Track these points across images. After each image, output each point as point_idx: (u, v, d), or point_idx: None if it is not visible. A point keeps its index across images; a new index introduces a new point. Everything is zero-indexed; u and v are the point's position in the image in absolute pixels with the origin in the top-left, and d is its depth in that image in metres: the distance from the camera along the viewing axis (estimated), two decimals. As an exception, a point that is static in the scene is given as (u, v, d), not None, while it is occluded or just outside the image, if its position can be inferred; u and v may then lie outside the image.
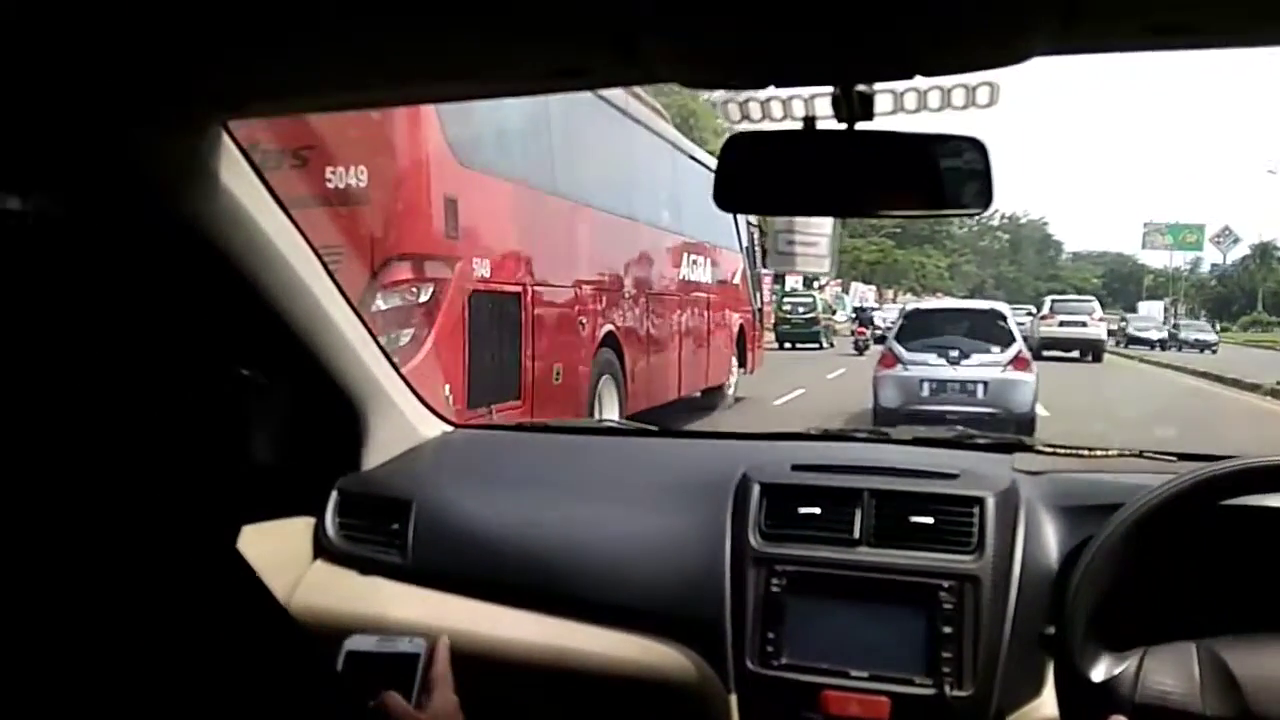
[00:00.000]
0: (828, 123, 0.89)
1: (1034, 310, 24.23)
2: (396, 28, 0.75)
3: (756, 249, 12.32)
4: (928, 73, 0.79)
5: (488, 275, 5.24)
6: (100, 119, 0.90)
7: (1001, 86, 1.08)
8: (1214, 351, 27.81)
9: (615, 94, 7.26)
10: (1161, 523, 0.99)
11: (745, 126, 0.99)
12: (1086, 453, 1.41)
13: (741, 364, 11.40)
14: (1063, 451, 1.42)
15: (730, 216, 10.14)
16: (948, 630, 1.14)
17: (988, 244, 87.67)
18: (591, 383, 6.54)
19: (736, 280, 11.27)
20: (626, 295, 7.52)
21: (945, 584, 1.16)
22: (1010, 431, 8.28)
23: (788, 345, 22.26)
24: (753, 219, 11.28)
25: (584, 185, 6.77)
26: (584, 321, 6.53)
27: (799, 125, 0.91)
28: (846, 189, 0.93)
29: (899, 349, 8.64)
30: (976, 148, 0.90)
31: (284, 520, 1.45)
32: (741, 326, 11.40)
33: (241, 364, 1.33)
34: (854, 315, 28.07)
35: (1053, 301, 22.59)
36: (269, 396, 1.37)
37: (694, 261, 9.52)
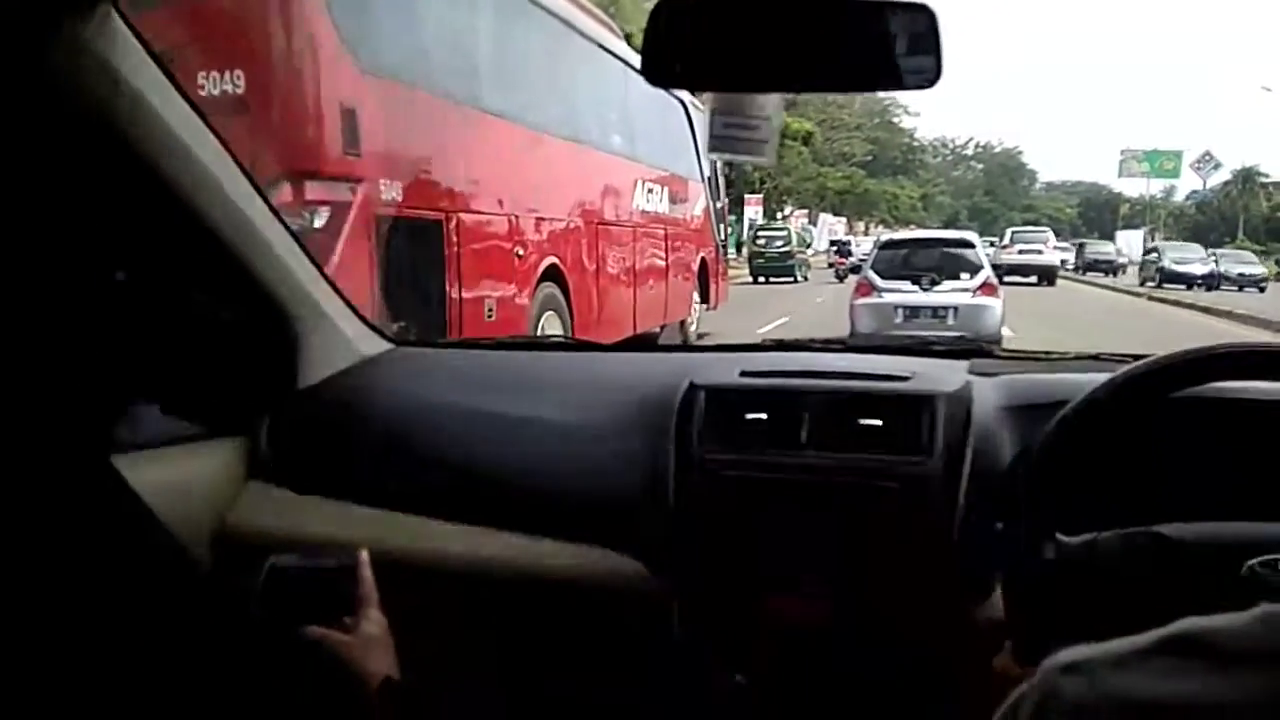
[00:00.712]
0: None
1: (995, 240, 27.67)
2: None
3: (718, 177, 12.07)
4: None
5: (400, 199, 4.87)
6: None
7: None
8: (1262, 289, 23.05)
9: (559, 4, 6.87)
10: (1107, 415, 1.01)
11: None
12: (1042, 356, 1.46)
13: (704, 299, 11.31)
14: (1019, 355, 1.46)
15: (690, 145, 10.18)
16: (897, 532, 1.17)
17: (961, 174, 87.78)
18: (532, 319, 6.30)
19: (698, 211, 11.09)
20: (572, 225, 7.30)
21: (894, 486, 1.18)
22: None
23: (762, 279, 22.48)
24: (715, 159, 10.89)
25: (520, 102, 6.38)
26: (520, 253, 6.23)
27: None
28: (789, 61, 0.90)
29: (874, 277, 9.42)
30: (926, 15, 0.88)
31: (216, 440, 1.43)
32: (704, 259, 11.25)
33: (152, 274, 1.29)
34: (832, 246, 28.92)
35: (1013, 233, 26.73)
36: (190, 308, 1.34)
37: (649, 190, 9.27)
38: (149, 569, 1.14)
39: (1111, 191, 76.80)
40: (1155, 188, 63.29)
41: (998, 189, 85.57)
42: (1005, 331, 9.21)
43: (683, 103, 9.80)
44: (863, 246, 22.72)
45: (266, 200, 1.33)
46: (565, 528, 1.29)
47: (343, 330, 1.53)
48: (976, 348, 1.50)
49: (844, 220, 50.55)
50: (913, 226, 54.82)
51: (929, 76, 0.88)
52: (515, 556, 1.30)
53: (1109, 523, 0.99)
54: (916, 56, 0.88)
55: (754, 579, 1.19)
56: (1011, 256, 22.59)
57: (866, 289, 9.36)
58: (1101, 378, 1.13)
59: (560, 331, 6.64)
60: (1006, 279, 18.00)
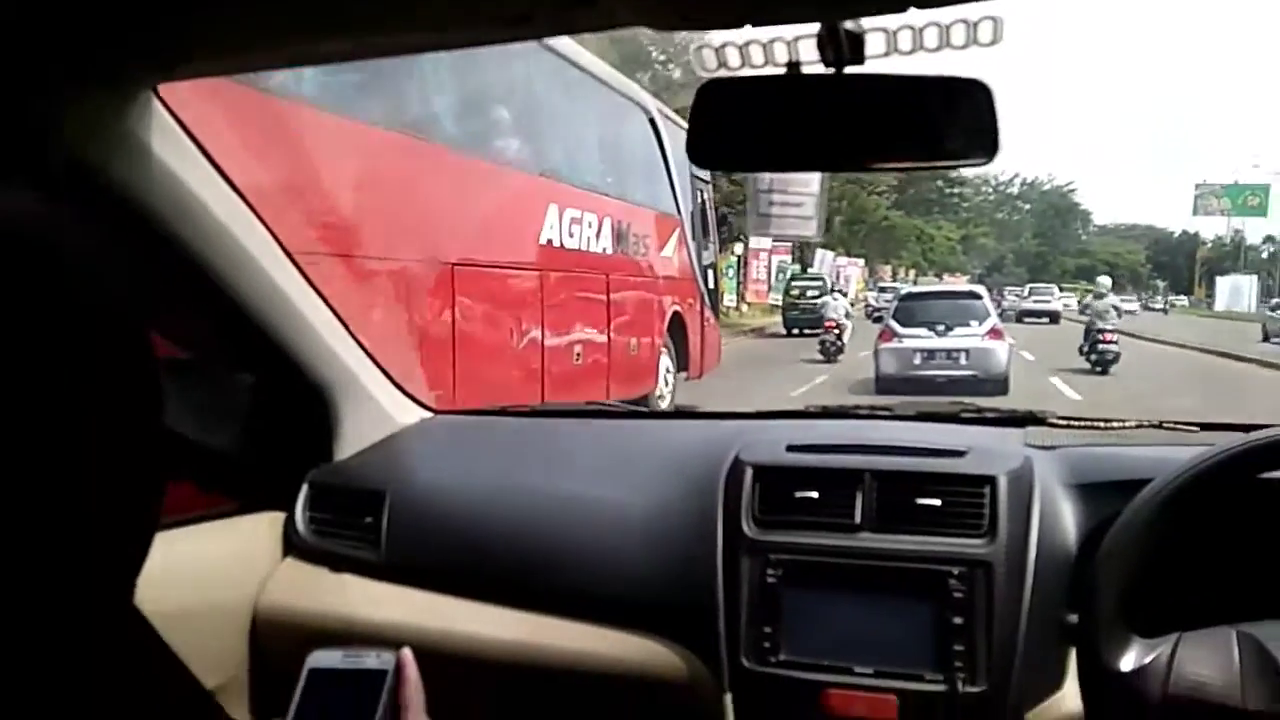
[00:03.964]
0: (813, 67, 0.86)
1: (1052, 291, 35.64)
2: None
3: (709, 212, 9.77)
4: (924, 3, 0.73)
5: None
6: (18, 82, 0.88)
7: (1005, 22, 1.02)
8: None
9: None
10: (1193, 498, 0.96)
11: (722, 75, 0.94)
12: (1102, 425, 1.40)
13: (682, 366, 8.89)
14: (1077, 424, 1.40)
15: (658, 166, 8.15)
16: (958, 621, 1.11)
17: (1006, 215, 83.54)
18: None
19: (668, 251, 8.68)
20: (414, 267, 4.98)
21: (955, 571, 1.13)
22: (987, 389, 9.95)
23: (795, 331, 21.95)
24: (702, 174, 9.28)
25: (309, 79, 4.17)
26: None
27: (781, 70, 0.88)
28: (835, 140, 0.89)
29: (895, 325, 11.20)
30: (980, 91, 0.87)
31: (252, 515, 1.45)
32: (675, 314, 8.75)
33: (193, 351, 1.30)
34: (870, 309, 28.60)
35: (1030, 287, 37.95)
36: (226, 383, 1.36)
37: (576, 220, 6.81)
38: (185, 651, 1.06)
39: (1186, 234, 71.99)
40: (1216, 227, 58.18)
41: (1047, 231, 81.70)
42: (1026, 355, 11.27)
43: (646, 110, 7.98)
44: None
45: (305, 275, 1.34)
46: (610, 612, 1.26)
47: (379, 400, 1.53)
48: (1028, 414, 1.45)
49: (858, 263, 40.82)
50: (952, 276, 50.67)
51: (987, 151, 0.87)
52: (559, 643, 1.27)
53: (1190, 619, 0.95)
54: (973, 132, 0.88)
55: (811, 670, 1.14)
56: (1028, 304, 33.07)
57: (889, 335, 11.17)
58: (1169, 451, 1.10)
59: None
60: (1025, 319, 28.65)
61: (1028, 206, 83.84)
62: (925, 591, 1.13)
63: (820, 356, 14.58)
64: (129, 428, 0.47)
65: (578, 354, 6.77)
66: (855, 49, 0.82)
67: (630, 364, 7.70)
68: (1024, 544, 1.13)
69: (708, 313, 9.62)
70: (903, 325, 11.12)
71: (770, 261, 28.80)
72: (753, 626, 1.17)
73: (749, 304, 27.87)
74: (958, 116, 0.88)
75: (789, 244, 28.13)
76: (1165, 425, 1.36)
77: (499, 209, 5.89)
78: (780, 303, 25.36)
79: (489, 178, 5.76)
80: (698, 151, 0.91)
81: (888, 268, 50.85)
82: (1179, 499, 0.95)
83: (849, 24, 0.80)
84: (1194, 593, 0.99)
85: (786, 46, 0.90)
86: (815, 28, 0.81)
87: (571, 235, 6.74)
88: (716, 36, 0.97)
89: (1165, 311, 37.86)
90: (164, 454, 0.50)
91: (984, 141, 0.87)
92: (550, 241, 6.46)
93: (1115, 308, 13.32)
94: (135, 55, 0.93)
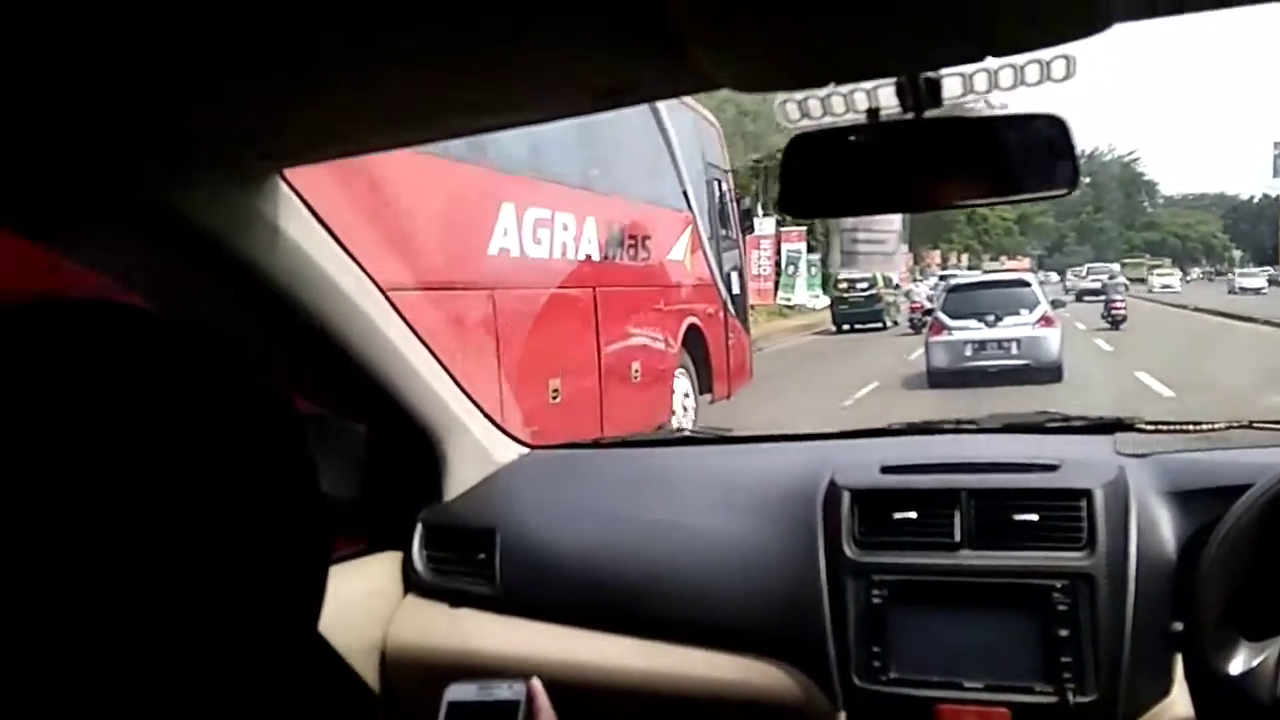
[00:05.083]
0: (893, 113, 0.89)
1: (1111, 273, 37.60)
2: (441, 62, 0.78)
3: (730, 206, 8.41)
4: (1001, 52, 0.77)
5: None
6: (154, 175, 0.96)
7: (1079, 58, 0.97)
8: None
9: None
10: None
11: (805, 125, 1.00)
12: (1192, 427, 1.41)
13: (705, 388, 7.71)
14: (1165, 428, 1.41)
15: (663, 155, 6.93)
16: (1064, 633, 1.14)
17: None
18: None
19: (677, 254, 7.36)
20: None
21: (1057, 584, 1.16)
22: (1041, 378, 9.99)
23: (846, 327, 22.02)
24: (720, 161, 8.32)
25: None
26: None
27: (862, 118, 0.91)
28: (918, 182, 0.93)
29: (944, 318, 11.09)
30: (1055, 125, 0.90)
31: (372, 556, 1.52)
32: (691, 327, 7.42)
33: (316, 406, 1.38)
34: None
35: (1088, 267, 41.38)
36: (346, 437, 1.44)
37: (543, 223, 5.52)
38: (321, 693, 1.14)
39: (1268, 197, 67.21)
40: None
41: (1111, 205, 78.00)
42: (1078, 325, 11.95)
43: None
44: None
45: (411, 326, 1.41)
46: (722, 637, 1.31)
47: (479, 439, 1.60)
48: (1115, 421, 1.47)
49: (904, 248, 35.03)
50: (1011, 256, 48.80)
51: (1066, 182, 0.90)
52: (675, 669, 1.32)
53: None
54: (1050, 165, 0.91)
55: (922, 687, 1.18)
56: (1085, 283, 34.62)
57: (939, 328, 11.08)
58: (1264, 454, 1.13)
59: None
60: (1083, 298, 29.24)
61: (1088, 180, 78.22)
62: (1029, 605, 1.16)
63: (911, 330, 16.92)
64: (296, 496, 0.51)
65: (554, 391, 5.36)
66: (933, 94, 0.85)
67: (632, 395, 6.40)
68: (1124, 555, 1.16)
69: (734, 323, 8.29)
70: (952, 317, 11.02)
71: (780, 251, 23.87)
72: (862, 646, 1.21)
73: (752, 306, 25.01)
74: (1035, 151, 0.91)
75: (803, 228, 24.20)
76: (1256, 425, 1.37)
77: (451, 212, 4.57)
78: (789, 301, 24.02)
79: (407, 164, 4.10)
80: (791, 203, 0.96)
81: (936, 253, 47.48)
82: (1278, 504, 0.96)
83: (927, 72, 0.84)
84: None
85: (866, 95, 0.94)
86: (894, 77, 0.84)
87: (538, 242, 5.42)
88: (800, 90, 1.06)
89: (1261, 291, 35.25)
90: (327, 514, 0.54)
91: (1063, 173, 0.91)
92: (505, 251, 5.09)
93: (1124, 284, 19.45)
94: (258, 147, 1.02)
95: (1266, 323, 18.34)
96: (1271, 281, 38.68)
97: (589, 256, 6.06)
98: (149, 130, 0.90)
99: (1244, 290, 35.00)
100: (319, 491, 0.54)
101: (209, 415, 0.47)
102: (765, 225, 20.84)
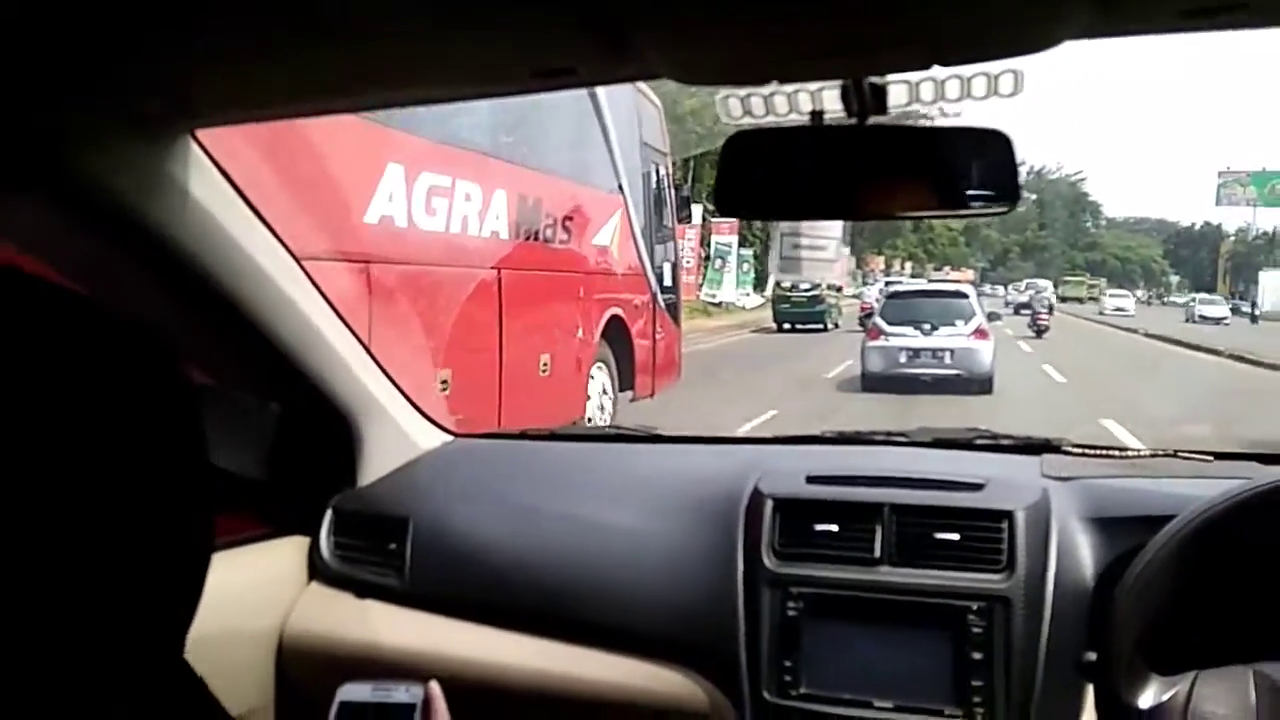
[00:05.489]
0: (837, 117, 0.87)
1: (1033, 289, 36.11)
2: (375, 32, 0.75)
3: (668, 193, 7.86)
4: (949, 63, 0.76)
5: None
6: (57, 127, 0.91)
7: (1026, 74, 0.99)
8: None
9: None
10: (1216, 537, 0.97)
11: (747, 123, 0.99)
12: (1118, 453, 1.42)
13: (626, 385, 7.15)
14: (1092, 453, 1.42)
15: (593, 127, 6.42)
16: (977, 656, 1.14)
17: None
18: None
19: (603, 239, 6.80)
20: None
21: (974, 606, 1.15)
22: (972, 388, 10.28)
23: (787, 326, 21.92)
24: (658, 144, 7.74)
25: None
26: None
27: (805, 120, 0.90)
28: (859, 190, 0.91)
29: (882, 324, 11.25)
30: (1000, 141, 0.89)
31: (278, 540, 1.47)
32: (615, 319, 6.88)
33: (220, 379, 1.33)
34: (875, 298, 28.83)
35: (1027, 282, 41.51)
36: (256, 415, 1.38)
37: (441, 191, 4.90)
38: (212, 677, 1.11)
39: (1209, 225, 67.85)
40: (1241, 219, 53.15)
41: (1055, 223, 79.15)
42: (1007, 331, 12.72)
43: None
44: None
45: (331, 304, 1.36)
46: (632, 642, 1.29)
47: (401, 425, 1.55)
48: (1044, 442, 1.47)
49: (845, 253, 34.97)
50: (955, 268, 48.44)
51: (1007, 199, 0.89)
52: (581, 673, 1.29)
53: (1207, 658, 0.96)
54: (993, 181, 0.89)
55: (832, 704, 1.16)
56: (1021, 297, 33.87)
57: (876, 333, 11.27)
58: (1186, 485, 1.12)
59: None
60: (1020, 311, 27.93)
61: (1034, 197, 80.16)
62: (944, 626, 1.15)
63: (860, 329, 17.85)
64: (179, 464, 0.49)
65: (443, 382, 4.77)
66: (878, 100, 0.84)
67: (540, 388, 5.85)
68: (1042, 579, 1.15)
69: (663, 316, 7.63)
70: (889, 323, 11.19)
71: (710, 244, 22.66)
72: (774, 659, 1.19)
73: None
74: (978, 166, 0.90)
75: (733, 222, 22.87)
76: (1181, 455, 1.38)
77: (292, 162, 3.59)
78: (714, 298, 23.45)
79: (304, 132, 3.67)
80: (726, 201, 0.94)
81: (880, 259, 47.99)
82: (1199, 539, 0.96)
83: (873, 78, 0.82)
84: (1212, 631, 1.00)
85: (810, 97, 0.92)
86: (839, 81, 0.83)
87: (431, 213, 4.80)
88: (743, 88, 1.01)
89: (1221, 321, 32.69)
90: (212, 487, 0.51)
91: (1004, 190, 0.90)
92: (389, 220, 4.50)
93: (1049, 302, 22.16)
94: (172, 105, 0.96)
95: (1193, 346, 19.39)
96: (1234, 311, 35.75)
97: (495, 233, 5.41)
98: (57, 81, 0.84)
99: (1203, 319, 31.83)
100: (206, 463, 0.51)
101: (76, 378, 0.44)
102: (692, 216, 19.03)
